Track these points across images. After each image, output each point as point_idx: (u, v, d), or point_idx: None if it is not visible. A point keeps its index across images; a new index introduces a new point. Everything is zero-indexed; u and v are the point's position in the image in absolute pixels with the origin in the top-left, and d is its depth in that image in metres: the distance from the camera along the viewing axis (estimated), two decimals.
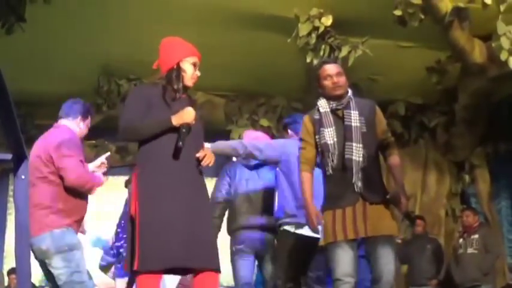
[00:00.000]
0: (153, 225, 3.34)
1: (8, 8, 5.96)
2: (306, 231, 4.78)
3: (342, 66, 7.07)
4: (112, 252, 6.43)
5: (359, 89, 8.76)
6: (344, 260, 3.85)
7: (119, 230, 6.38)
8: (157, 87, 3.66)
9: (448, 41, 7.06)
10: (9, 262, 9.17)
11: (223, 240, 4.92)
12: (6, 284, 8.94)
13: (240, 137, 9.00)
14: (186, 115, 3.48)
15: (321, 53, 7.07)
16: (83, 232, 4.64)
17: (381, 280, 3.88)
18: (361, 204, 3.88)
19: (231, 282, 5.71)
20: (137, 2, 6.71)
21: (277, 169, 5.15)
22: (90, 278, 5.66)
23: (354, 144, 3.90)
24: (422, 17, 6.68)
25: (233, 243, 5.31)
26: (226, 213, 5.46)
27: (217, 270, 3.48)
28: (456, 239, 8.40)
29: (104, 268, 6.58)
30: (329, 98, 4.05)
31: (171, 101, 3.58)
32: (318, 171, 4.14)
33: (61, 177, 4.19)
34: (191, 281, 3.72)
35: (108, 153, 4.95)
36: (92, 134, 5.05)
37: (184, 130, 3.47)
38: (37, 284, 8.56)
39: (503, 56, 6.55)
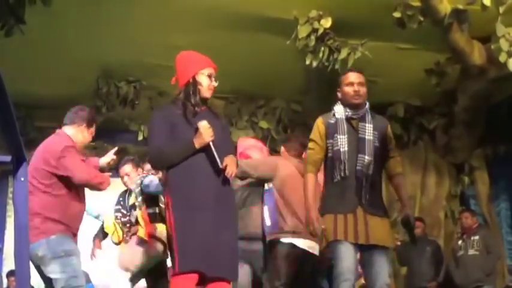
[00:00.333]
0: (188, 235, 3.47)
1: (8, 10, 5.96)
2: (303, 243, 4.86)
3: (342, 68, 7.17)
4: None
5: None
6: (346, 256, 3.85)
7: None
8: (176, 106, 3.74)
9: (447, 43, 7.06)
10: (9, 264, 9.15)
11: None
12: (5, 286, 8.92)
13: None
14: (205, 135, 3.53)
15: (320, 55, 7.07)
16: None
17: (376, 283, 3.91)
18: (362, 214, 3.91)
19: None
20: (137, 4, 6.71)
21: (270, 185, 5.19)
22: (89, 281, 5.66)
23: (366, 157, 3.95)
24: (422, 19, 6.69)
25: None
26: None
27: (232, 279, 3.62)
28: (455, 241, 8.40)
29: None
30: (346, 105, 4.08)
31: (192, 117, 3.64)
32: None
33: (59, 187, 4.22)
34: None
35: (116, 148, 4.99)
36: None
37: (214, 150, 3.56)
38: (36, 287, 8.54)
39: (502, 57, 6.55)
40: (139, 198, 5.54)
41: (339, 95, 4.15)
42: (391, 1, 6.63)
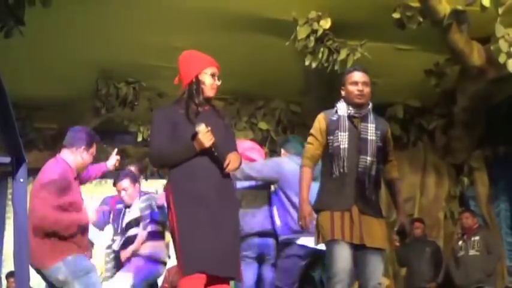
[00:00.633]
0: (192, 237, 3.48)
1: (7, 11, 5.96)
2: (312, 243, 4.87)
3: (341, 69, 7.16)
4: None
5: None
6: (342, 256, 3.85)
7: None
8: (179, 105, 3.74)
9: (447, 43, 7.06)
10: (8, 266, 9.15)
11: None
12: (4, 287, 8.92)
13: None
14: (204, 140, 3.54)
15: (320, 55, 7.07)
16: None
17: (371, 278, 3.91)
18: (357, 213, 3.91)
19: None
20: (136, 5, 6.71)
21: (276, 187, 5.20)
22: None
23: (368, 157, 3.96)
24: (421, 19, 6.69)
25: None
26: None
27: (235, 278, 3.64)
28: (455, 241, 8.39)
29: None
30: (349, 104, 4.09)
31: (194, 117, 3.65)
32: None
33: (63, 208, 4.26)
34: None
35: (116, 150, 5.05)
36: None
37: (216, 154, 3.57)
38: None
39: (501, 58, 6.55)
40: (146, 212, 5.57)
41: (343, 93, 4.15)
42: (391, 2, 6.63)
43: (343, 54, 7.11)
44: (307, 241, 4.89)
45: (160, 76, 8.00)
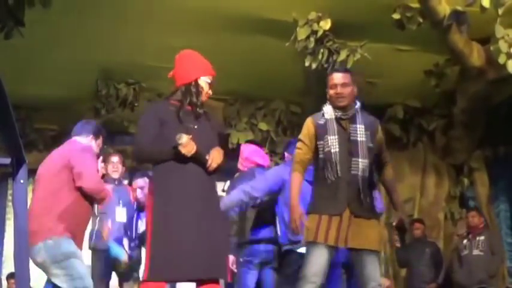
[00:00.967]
0: (163, 238, 3.44)
1: (7, 12, 5.96)
2: None
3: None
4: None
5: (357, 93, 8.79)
6: (317, 261, 3.85)
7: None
8: (170, 102, 3.73)
9: (446, 44, 7.07)
10: (8, 267, 9.15)
11: None
12: None
13: (238, 141, 9.03)
14: (185, 151, 3.51)
15: (320, 56, 7.07)
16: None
17: (369, 279, 3.90)
18: (348, 216, 3.88)
19: None
20: (136, 6, 6.71)
21: (280, 196, 5.20)
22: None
23: (360, 160, 3.92)
24: (421, 20, 6.70)
25: (242, 255, 5.41)
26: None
27: (220, 278, 3.59)
28: (459, 240, 8.29)
29: None
30: (334, 107, 4.05)
31: (184, 117, 3.64)
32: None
33: (71, 187, 4.22)
34: None
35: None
36: None
37: (201, 158, 3.56)
38: None
39: (501, 59, 6.55)
40: None
41: (328, 95, 4.11)
42: (390, 3, 6.63)
43: (343, 55, 7.12)
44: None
45: (160, 77, 7.98)
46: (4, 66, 4.63)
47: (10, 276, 8.74)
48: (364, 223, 3.92)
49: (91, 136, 4.51)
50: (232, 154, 5.89)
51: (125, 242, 6.09)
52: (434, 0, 6.50)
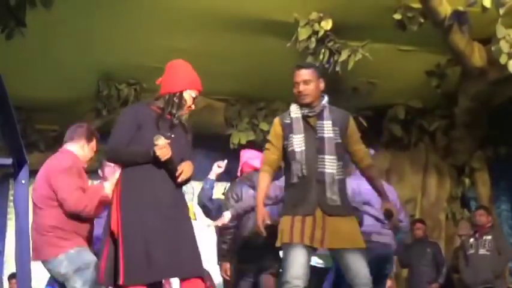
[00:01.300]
0: (137, 242, 3.42)
1: (8, 13, 5.97)
2: (313, 261, 4.82)
3: (342, 70, 7.16)
4: None
5: (358, 93, 8.80)
6: (297, 263, 3.75)
7: None
8: (151, 107, 3.72)
9: (448, 44, 7.07)
10: (10, 267, 9.16)
11: None
12: None
13: (239, 142, 9.04)
14: (160, 155, 3.51)
15: (321, 57, 7.08)
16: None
17: (358, 276, 3.78)
18: (321, 216, 3.79)
19: None
20: (137, 7, 6.71)
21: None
22: None
23: (326, 156, 3.82)
24: (422, 20, 6.70)
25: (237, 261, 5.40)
26: None
27: (201, 277, 3.55)
28: (466, 238, 8.21)
29: None
30: (300, 105, 3.97)
31: (163, 124, 3.64)
32: None
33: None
34: None
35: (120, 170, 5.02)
36: None
37: (170, 167, 3.55)
38: None
39: (502, 59, 6.55)
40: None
41: None
42: (392, 3, 6.63)
43: (344, 55, 7.12)
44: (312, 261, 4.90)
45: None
46: (5, 67, 4.63)
47: (12, 276, 8.74)
48: (340, 222, 3.80)
49: (83, 140, 4.50)
50: (233, 155, 5.93)
51: None
52: (436, 1, 6.51)
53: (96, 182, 5.38)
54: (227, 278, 5.57)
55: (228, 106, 9.56)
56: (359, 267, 3.79)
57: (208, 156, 8.94)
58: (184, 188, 3.78)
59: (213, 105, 9.52)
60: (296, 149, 3.84)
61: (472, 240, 7.93)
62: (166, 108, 3.67)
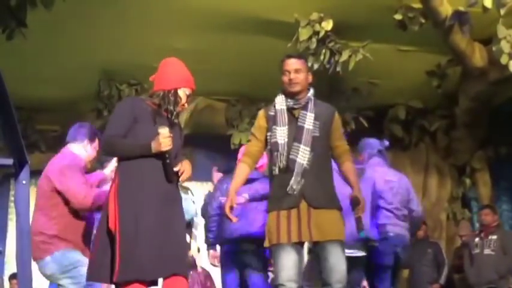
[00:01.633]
0: (133, 239, 3.42)
1: (9, 13, 5.97)
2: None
3: (343, 70, 7.16)
4: None
5: (359, 93, 8.80)
6: (288, 265, 3.73)
7: None
8: (147, 102, 3.72)
9: (449, 45, 7.07)
10: (11, 267, 9.16)
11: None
12: None
13: (240, 142, 9.03)
14: (163, 143, 3.51)
15: (321, 57, 7.07)
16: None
17: (332, 276, 3.73)
18: (306, 208, 3.75)
19: None
20: (138, 7, 6.72)
21: None
22: None
23: (301, 146, 3.80)
24: (423, 21, 6.70)
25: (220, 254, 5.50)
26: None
27: (184, 275, 3.56)
28: (472, 237, 8.15)
29: None
30: (286, 95, 3.95)
31: (159, 119, 3.64)
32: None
33: (62, 204, 4.27)
34: None
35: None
36: None
37: (168, 161, 3.54)
38: None
39: (503, 59, 6.55)
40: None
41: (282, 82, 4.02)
42: (392, 3, 6.63)
43: (345, 55, 7.12)
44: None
45: None
46: (6, 67, 4.62)
47: (13, 276, 8.75)
48: (325, 214, 3.76)
49: (86, 140, 4.50)
50: (234, 155, 5.93)
51: None
52: (436, 1, 6.51)
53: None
54: (216, 265, 5.63)
55: (228, 106, 9.55)
56: (336, 260, 3.74)
57: (208, 157, 8.96)
58: (184, 195, 3.78)
59: (214, 105, 9.52)
60: (279, 141, 3.83)
61: (477, 239, 7.83)
62: (163, 104, 3.68)
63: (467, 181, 9.66)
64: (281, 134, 3.85)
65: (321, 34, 6.94)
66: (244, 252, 5.31)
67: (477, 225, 9.35)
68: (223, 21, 7.06)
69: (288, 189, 3.77)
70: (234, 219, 3.88)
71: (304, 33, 6.91)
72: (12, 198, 9.74)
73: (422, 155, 9.85)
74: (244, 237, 5.25)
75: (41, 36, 6.82)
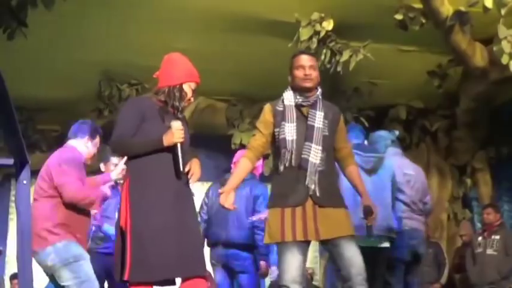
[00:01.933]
0: (144, 238, 3.41)
1: (10, 13, 5.98)
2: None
3: (344, 70, 7.17)
4: None
5: (360, 93, 8.80)
6: (292, 265, 3.65)
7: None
8: (153, 100, 3.71)
9: (449, 45, 7.07)
10: (11, 267, 9.17)
11: None
12: None
13: (241, 142, 9.03)
14: (176, 135, 3.51)
15: (322, 57, 7.08)
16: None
17: (354, 265, 3.65)
18: (312, 207, 3.69)
19: None
20: (138, 7, 6.72)
21: None
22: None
23: (313, 145, 3.74)
24: (424, 21, 6.70)
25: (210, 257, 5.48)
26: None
27: (203, 277, 3.53)
28: (475, 236, 8.12)
29: None
30: (296, 91, 3.90)
31: (166, 115, 3.63)
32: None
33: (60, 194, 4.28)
34: None
35: (125, 158, 5.03)
36: None
37: (180, 155, 3.53)
38: None
39: (504, 59, 6.55)
40: None
41: (289, 79, 3.97)
42: (393, 3, 6.63)
43: (345, 55, 7.12)
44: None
45: None
46: (6, 67, 4.62)
47: (13, 276, 8.76)
48: (332, 212, 3.71)
49: (87, 137, 4.52)
50: (234, 155, 5.93)
51: None
52: (437, 1, 6.51)
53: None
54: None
55: (229, 106, 9.56)
56: (354, 253, 3.68)
57: (209, 157, 8.96)
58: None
59: (215, 105, 9.52)
60: (288, 138, 3.77)
61: (480, 238, 7.80)
62: (169, 101, 3.67)
63: (468, 181, 9.66)
64: (289, 131, 3.78)
65: (322, 34, 6.94)
66: (233, 256, 5.36)
67: (478, 225, 9.37)
68: (224, 22, 7.07)
69: (306, 190, 3.68)
70: (232, 207, 3.80)
71: (305, 33, 6.91)
72: (12, 198, 9.74)
73: (423, 155, 9.84)
74: (232, 241, 5.34)
75: (41, 36, 6.83)
